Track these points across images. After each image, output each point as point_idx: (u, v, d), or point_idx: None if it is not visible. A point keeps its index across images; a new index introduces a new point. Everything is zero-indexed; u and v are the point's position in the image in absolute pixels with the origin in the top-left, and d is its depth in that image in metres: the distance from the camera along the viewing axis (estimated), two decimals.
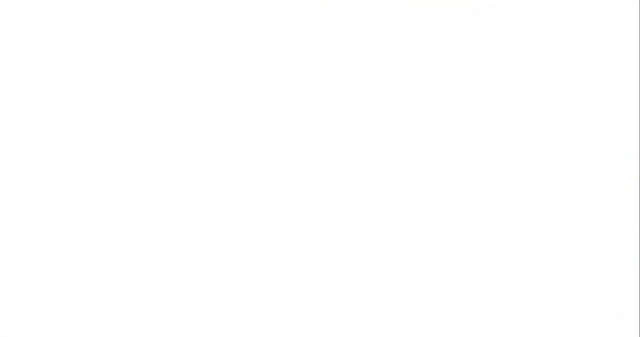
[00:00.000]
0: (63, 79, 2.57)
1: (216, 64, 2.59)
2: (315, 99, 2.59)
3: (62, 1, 2.57)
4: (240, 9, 2.59)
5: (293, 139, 2.58)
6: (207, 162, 2.57)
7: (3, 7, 2.57)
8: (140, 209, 2.55)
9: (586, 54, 2.58)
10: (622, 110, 2.56)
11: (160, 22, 2.59)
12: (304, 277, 2.56)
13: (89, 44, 2.58)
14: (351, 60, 2.59)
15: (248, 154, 2.58)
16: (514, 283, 2.55)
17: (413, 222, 2.57)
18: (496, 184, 2.57)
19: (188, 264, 2.55)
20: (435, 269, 2.56)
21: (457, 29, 2.59)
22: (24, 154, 2.55)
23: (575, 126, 2.57)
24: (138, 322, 2.54)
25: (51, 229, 2.54)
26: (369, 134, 2.58)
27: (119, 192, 2.56)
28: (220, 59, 2.59)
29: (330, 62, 2.59)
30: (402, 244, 2.57)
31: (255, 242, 2.57)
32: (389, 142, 2.58)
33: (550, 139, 2.57)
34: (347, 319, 2.55)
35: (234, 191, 2.57)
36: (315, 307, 2.56)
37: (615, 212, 2.54)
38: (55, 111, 2.56)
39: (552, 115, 2.58)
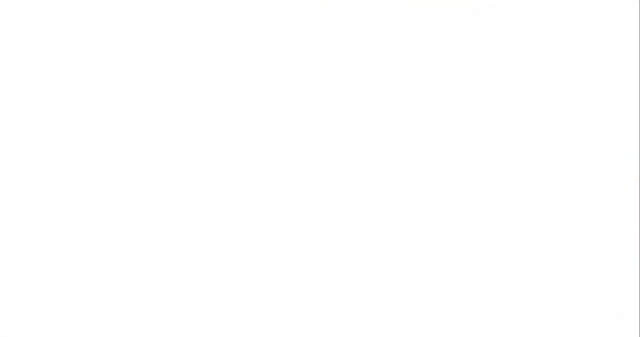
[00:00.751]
0: (63, 79, 2.57)
1: (216, 64, 2.59)
2: (316, 99, 2.59)
3: (63, 1, 2.57)
4: (240, 9, 2.59)
5: (293, 139, 2.58)
6: (207, 162, 2.57)
7: (3, 7, 2.57)
8: (139, 208, 2.55)
9: (586, 54, 2.58)
10: (622, 110, 2.56)
11: (160, 22, 2.59)
12: (304, 277, 2.56)
13: (89, 44, 2.58)
14: (351, 60, 2.59)
15: (248, 153, 2.58)
16: (514, 283, 2.55)
17: (413, 222, 2.57)
18: (496, 184, 2.57)
19: (187, 264, 2.55)
20: (435, 269, 2.56)
21: (457, 29, 2.59)
22: (24, 154, 2.55)
23: (575, 126, 2.57)
24: (137, 322, 2.54)
25: (51, 229, 2.54)
26: (369, 133, 2.58)
27: (119, 192, 2.56)
28: (220, 59, 2.59)
29: (331, 62, 2.59)
30: (402, 244, 2.57)
31: (254, 242, 2.57)
32: (389, 141, 2.58)
33: (550, 139, 2.57)
34: (346, 319, 2.56)
35: (234, 190, 2.57)
36: (314, 307, 2.56)
37: (615, 212, 2.54)
38: (54, 111, 2.56)
39: (552, 115, 2.58)
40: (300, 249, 2.57)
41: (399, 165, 2.58)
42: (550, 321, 2.54)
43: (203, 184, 2.57)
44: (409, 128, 2.58)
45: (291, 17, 2.59)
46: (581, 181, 2.56)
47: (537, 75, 2.58)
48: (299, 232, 2.57)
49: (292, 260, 2.57)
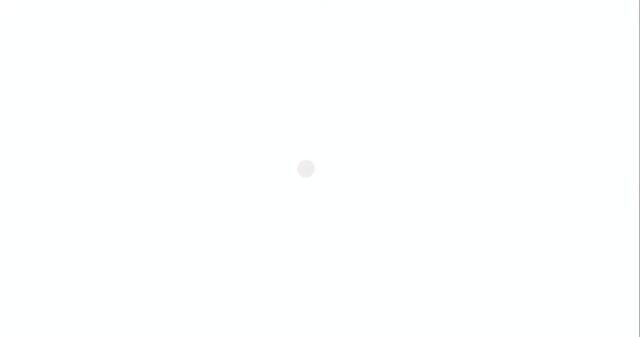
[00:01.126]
0: (62, 79, 2.57)
1: (216, 64, 2.59)
2: (315, 99, 2.59)
3: (63, 1, 2.58)
4: (240, 8, 2.59)
5: (293, 139, 2.58)
6: (207, 162, 2.57)
7: (3, 7, 2.57)
8: (138, 209, 2.56)
9: (586, 54, 2.58)
10: (622, 110, 2.57)
11: (160, 22, 2.59)
12: (304, 278, 2.57)
13: (89, 44, 2.58)
14: (351, 60, 2.59)
15: (247, 154, 2.58)
16: (514, 283, 2.55)
17: (413, 222, 2.57)
18: (496, 184, 2.57)
19: (186, 264, 2.56)
20: (435, 270, 2.56)
21: (457, 29, 2.59)
22: (23, 154, 2.55)
23: (575, 126, 2.57)
24: (137, 322, 2.54)
25: (49, 229, 2.54)
26: (368, 133, 2.58)
27: (118, 192, 2.56)
28: (219, 59, 2.59)
29: (330, 62, 2.59)
30: (402, 244, 2.57)
31: (254, 242, 2.57)
32: (389, 142, 2.58)
33: (550, 139, 2.57)
34: (346, 319, 2.56)
35: (233, 190, 2.57)
36: (314, 307, 2.56)
37: (616, 212, 2.55)
38: (54, 111, 2.56)
39: (552, 115, 2.58)
40: (299, 249, 2.57)
41: (398, 165, 2.58)
42: (551, 321, 2.54)
43: (202, 182, 2.57)
44: (409, 127, 2.58)
45: (291, 17, 2.59)
46: (581, 181, 2.56)
47: (537, 76, 2.58)
48: (299, 232, 2.57)
49: (291, 259, 2.57)
